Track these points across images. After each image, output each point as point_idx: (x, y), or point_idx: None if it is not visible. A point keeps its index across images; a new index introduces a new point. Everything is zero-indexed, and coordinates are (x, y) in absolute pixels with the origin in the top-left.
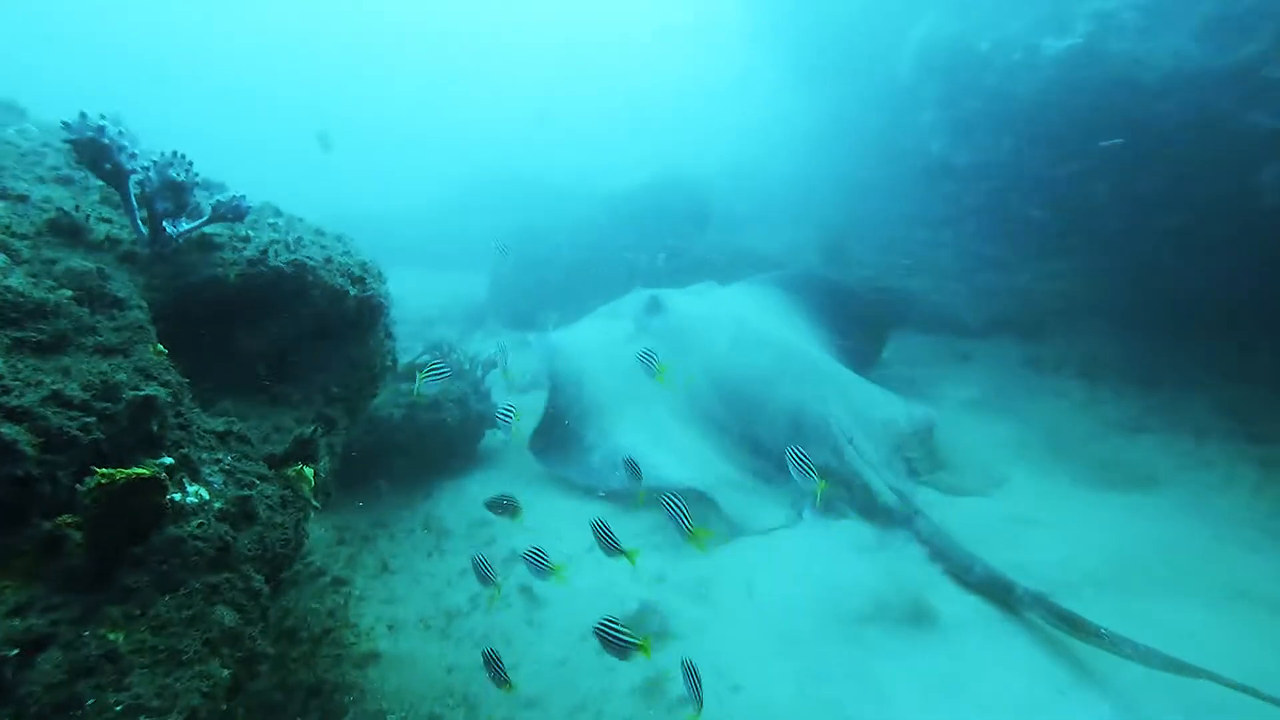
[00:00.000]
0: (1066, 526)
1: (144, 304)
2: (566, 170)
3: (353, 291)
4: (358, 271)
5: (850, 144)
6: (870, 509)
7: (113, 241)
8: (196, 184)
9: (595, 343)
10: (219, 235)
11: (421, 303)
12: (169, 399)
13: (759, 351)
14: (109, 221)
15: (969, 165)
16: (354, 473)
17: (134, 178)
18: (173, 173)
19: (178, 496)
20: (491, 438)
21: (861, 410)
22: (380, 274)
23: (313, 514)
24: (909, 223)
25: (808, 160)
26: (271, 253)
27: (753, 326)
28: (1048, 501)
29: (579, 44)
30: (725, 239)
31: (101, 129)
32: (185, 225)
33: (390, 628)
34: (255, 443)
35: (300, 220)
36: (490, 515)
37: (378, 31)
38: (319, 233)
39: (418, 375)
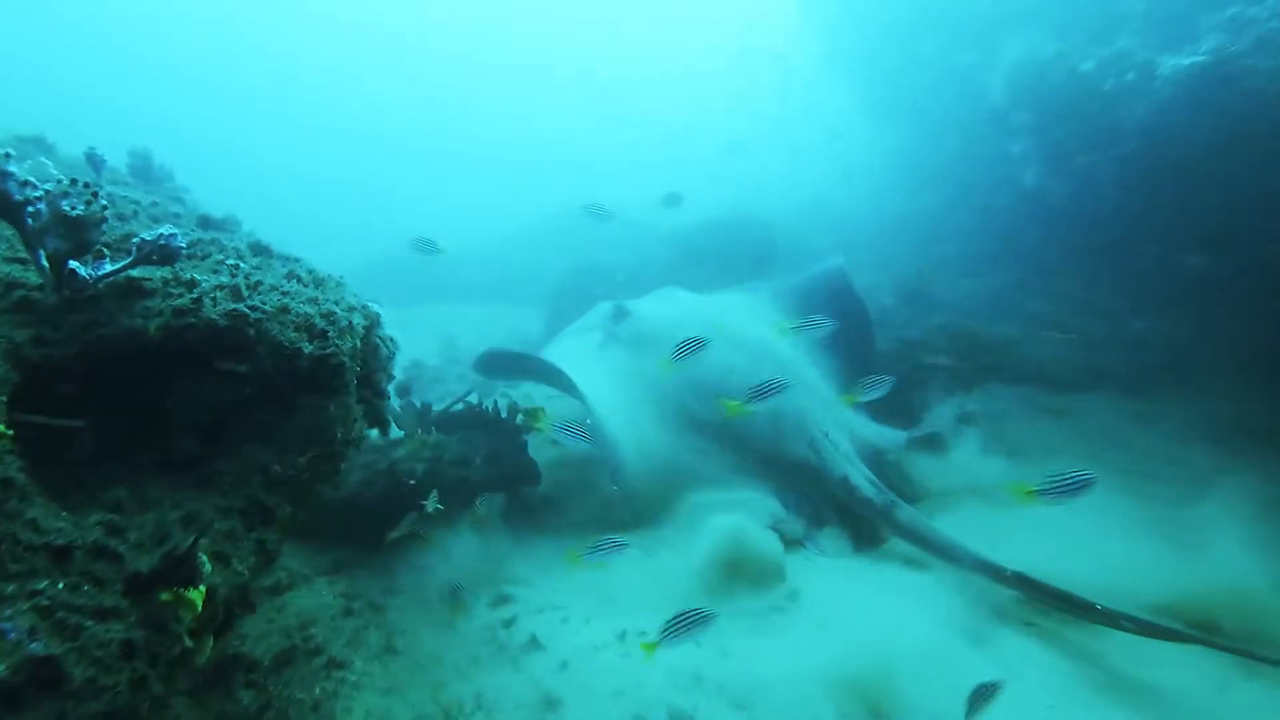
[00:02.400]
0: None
1: (2, 368)
2: (632, 205)
3: (308, 349)
4: (320, 324)
5: (926, 180)
6: (849, 502)
7: (10, 285)
8: (104, 219)
9: (568, 358)
10: (151, 280)
11: (477, 341)
12: None
13: (734, 351)
14: (23, 262)
15: (1067, 200)
16: (375, 526)
17: (29, 210)
18: (67, 205)
19: None
20: (529, 496)
21: (834, 407)
22: (357, 326)
23: (198, 656)
24: (994, 263)
25: (880, 198)
26: (207, 301)
27: (725, 327)
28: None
29: (645, 75)
30: None
31: None
32: (109, 267)
33: None
34: (128, 553)
35: (295, 260)
36: (513, 591)
37: (451, 68)
38: (291, 277)
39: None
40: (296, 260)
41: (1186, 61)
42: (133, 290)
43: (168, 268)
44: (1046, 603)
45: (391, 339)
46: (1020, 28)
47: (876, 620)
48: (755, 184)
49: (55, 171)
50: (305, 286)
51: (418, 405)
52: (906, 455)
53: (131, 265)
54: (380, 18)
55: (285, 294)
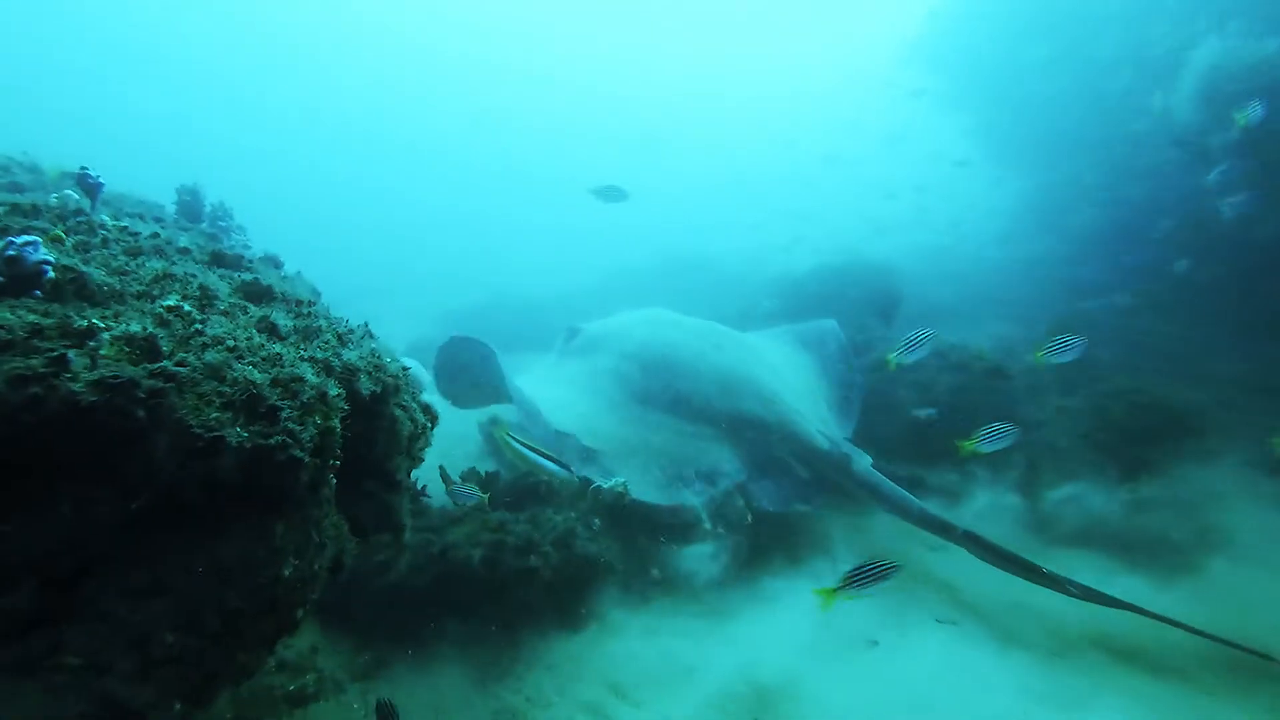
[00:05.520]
0: None
1: None
2: (736, 253)
3: (236, 439)
4: (269, 398)
5: (1060, 222)
6: (803, 454)
7: None
8: None
9: (525, 379)
10: (7, 328)
11: None
12: None
13: (677, 331)
14: None
15: None
16: (423, 619)
17: None
18: None
19: None
20: (608, 589)
21: (802, 397)
22: (335, 400)
23: None
24: (1156, 315)
25: (1005, 244)
26: (78, 363)
27: (669, 317)
28: None
29: (752, 119)
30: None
31: None
32: None
33: None
34: None
35: (302, 303)
36: (605, 702)
37: (553, 105)
38: (264, 327)
39: None
40: (305, 304)
41: None
42: None
43: (53, 311)
44: (993, 561)
45: (428, 407)
46: (1215, 21)
47: None
48: (879, 228)
49: (77, 199)
50: (278, 340)
51: (482, 474)
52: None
53: None
54: (493, 56)
55: (231, 350)
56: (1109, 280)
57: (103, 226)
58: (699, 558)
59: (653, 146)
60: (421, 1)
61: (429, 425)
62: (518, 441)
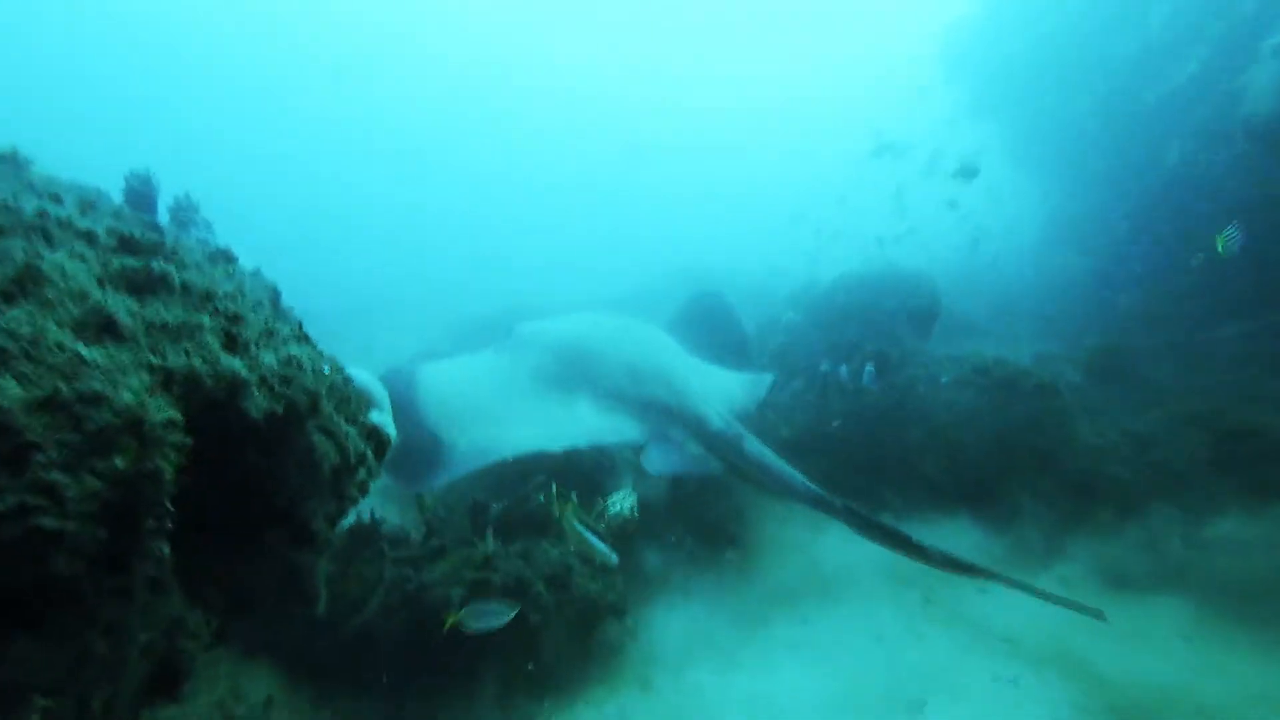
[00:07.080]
0: None
1: None
2: (758, 265)
3: None
4: (23, 432)
5: (1118, 234)
6: (702, 435)
7: None
8: None
9: (455, 373)
10: None
11: None
12: None
13: (598, 328)
14: None
15: None
16: (394, 668)
17: None
18: None
19: None
20: (618, 633)
21: (704, 376)
22: (160, 435)
23: None
24: (1206, 326)
25: (1039, 257)
26: None
27: (592, 317)
28: None
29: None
30: (951, 350)
31: None
32: None
33: None
34: None
35: (209, 296)
36: None
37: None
38: (93, 318)
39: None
40: (217, 298)
41: None
42: None
43: None
44: (869, 535)
45: (374, 430)
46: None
47: None
48: (907, 236)
49: None
50: (114, 340)
51: (469, 501)
52: None
53: None
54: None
55: None
56: (1149, 295)
57: None
58: (704, 603)
59: (672, 155)
60: (443, 10)
61: (369, 453)
62: (581, 525)
